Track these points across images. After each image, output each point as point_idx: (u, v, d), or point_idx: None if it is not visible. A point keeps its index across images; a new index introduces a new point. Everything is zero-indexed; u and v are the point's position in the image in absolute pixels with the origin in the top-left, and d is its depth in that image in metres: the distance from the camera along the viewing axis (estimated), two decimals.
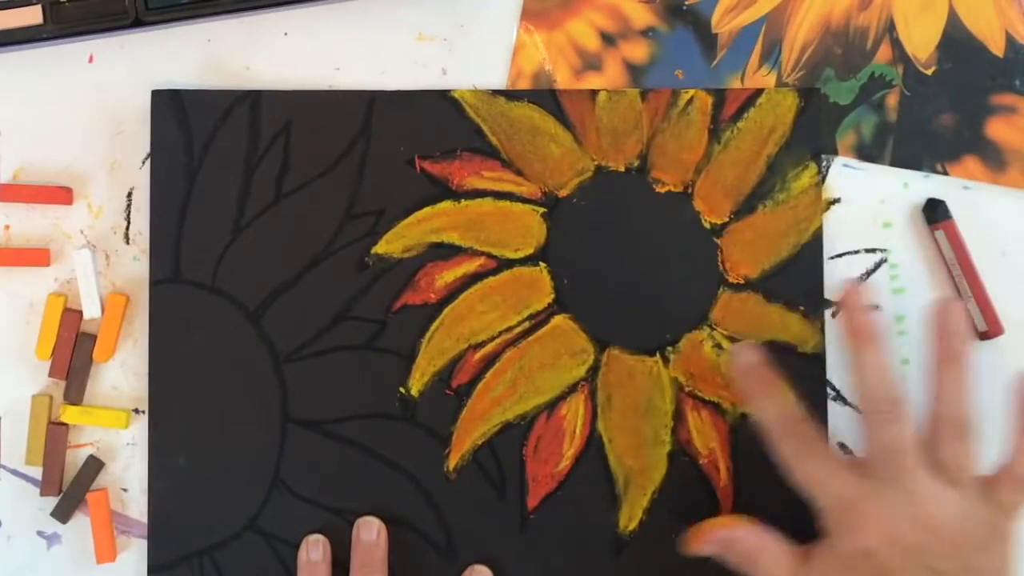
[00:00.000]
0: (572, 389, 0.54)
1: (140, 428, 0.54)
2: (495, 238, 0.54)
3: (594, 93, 0.54)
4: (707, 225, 0.54)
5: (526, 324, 0.54)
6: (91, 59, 0.55)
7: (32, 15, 0.53)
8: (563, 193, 0.54)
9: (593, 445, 0.53)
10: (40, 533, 0.54)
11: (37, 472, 0.54)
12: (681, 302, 0.53)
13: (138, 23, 0.53)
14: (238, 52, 0.55)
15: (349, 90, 0.54)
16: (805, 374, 0.53)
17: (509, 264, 0.54)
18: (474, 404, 0.54)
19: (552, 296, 0.54)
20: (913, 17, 0.55)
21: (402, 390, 0.54)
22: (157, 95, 0.54)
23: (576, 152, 0.54)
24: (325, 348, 0.54)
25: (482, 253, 0.54)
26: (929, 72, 0.55)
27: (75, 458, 0.54)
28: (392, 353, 0.53)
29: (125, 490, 0.54)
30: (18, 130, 0.55)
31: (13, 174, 0.55)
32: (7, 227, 0.55)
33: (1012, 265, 0.55)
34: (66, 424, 0.54)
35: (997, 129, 0.55)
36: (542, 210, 0.54)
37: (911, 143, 0.55)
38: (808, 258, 0.54)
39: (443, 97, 0.54)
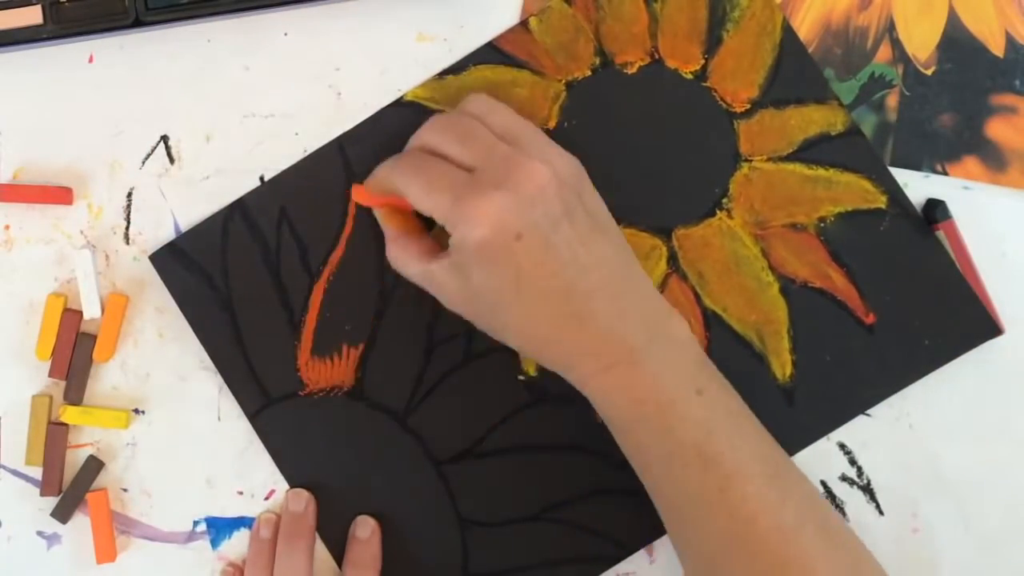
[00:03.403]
0: (664, 285, 0.54)
1: (140, 428, 0.54)
2: None
3: (525, 23, 0.55)
4: (689, 76, 0.55)
5: None
6: (91, 59, 0.55)
7: (32, 15, 0.53)
8: (551, 124, 0.55)
9: (713, 323, 0.54)
10: (40, 533, 0.54)
11: (37, 472, 0.54)
12: (707, 153, 0.54)
13: (138, 23, 0.53)
14: (238, 52, 0.55)
15: (317, 149, 0.54)
16: (850, 152, 0.54)
17: None
18: None
19: None
20: (913, 17, 0.55)
21: (521, 377, 0.54)
22: (156, 258, 0.54)
23: (541, 83, 0.55)
24: (436, 375, 0.54)
25: None
26: (929, 72, 0.55)
27: (75, 458, 0.54)
28: (496, 351, 0.53)
29: (125, 490, 0.54)
30: (18, 130, 0.55)
31: (13, 174, 0.55)
32: (7, 227, 0.55)
33: (1012, 265, 0.55)
34: (66, 424, 0.54)
35: (997, 129, 0.55)
36: None
37: (911, 143, 0.55)
38: (791, 51, 0.55)
39: (400, 105, 0.54)
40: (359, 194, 0.52)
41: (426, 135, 0.49)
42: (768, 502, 0.46)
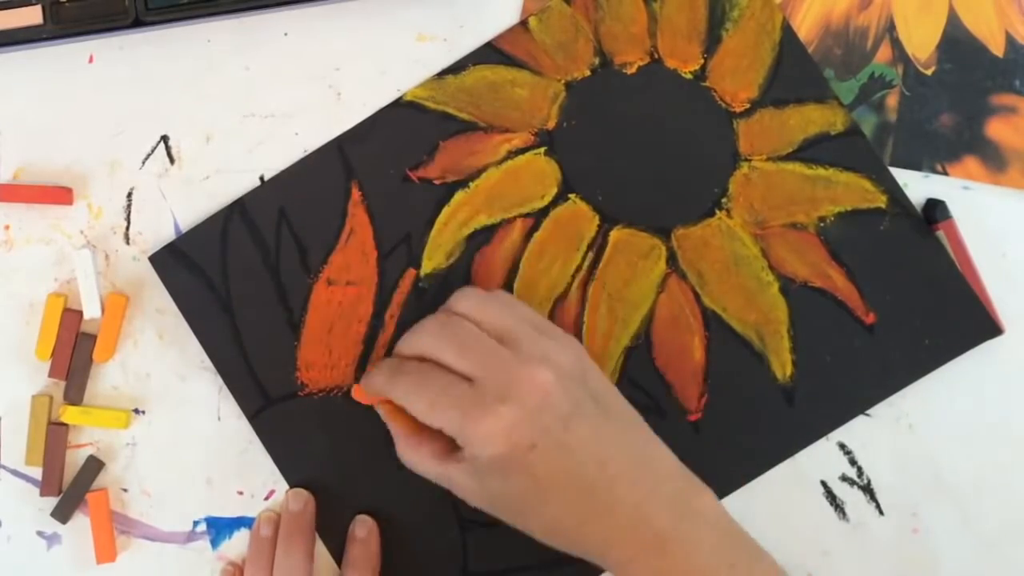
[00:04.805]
0: (663, 285, 0.54)
1: (140, 428, 0.54)
2: (518, 198, 0.54)
3: (524, 23, 0.55)
4: (688, 76, 0.55)
5: (590, 255, 0.54)
6: (91, 59, 0.55)
7: (32, 15, 0.53)
8: (551, 125, 0.55)
9: (712, 322, 0.54)
10: (40, 533, 0.54)
11: (37, 472, 0.54)
12: (706, 153, 0.54)
13: (138, 23, 0.53)
14: (238, 52, 0.55)
15: (316, 149, 0.54)
16: (850, 151, 0.54)
17: (544, 212, 0.54)
18: (590, 348, 0.53)
19: (597, 219, 0.54)
20: (913, 17, 0.55)
21: None
22: (155, 259, 0.54)
23: (540, 83, 0.55)
24: None
25: (516, 217, 0.54)
26: (929, 72, 0.55)
27: (75, 458, 0.54)
28: None
29: (125, 490, 0.54)
30: (18, 130, 0.55)
31: (13, 174, 0.55)
32: (7, 227, 0.55)
33: (1012, 265, 0.55)
34: (66, 424, 0.54)
35: (997, 129, 0.55)
36: (543, 150, 0.54)
37: (911, 143, 0.55)
38: (791, 51, 0.55)
39: (399, 105, 0.54)
40: (359, 394, 0.52)
41: (420, 341, 0.48)
42: None
